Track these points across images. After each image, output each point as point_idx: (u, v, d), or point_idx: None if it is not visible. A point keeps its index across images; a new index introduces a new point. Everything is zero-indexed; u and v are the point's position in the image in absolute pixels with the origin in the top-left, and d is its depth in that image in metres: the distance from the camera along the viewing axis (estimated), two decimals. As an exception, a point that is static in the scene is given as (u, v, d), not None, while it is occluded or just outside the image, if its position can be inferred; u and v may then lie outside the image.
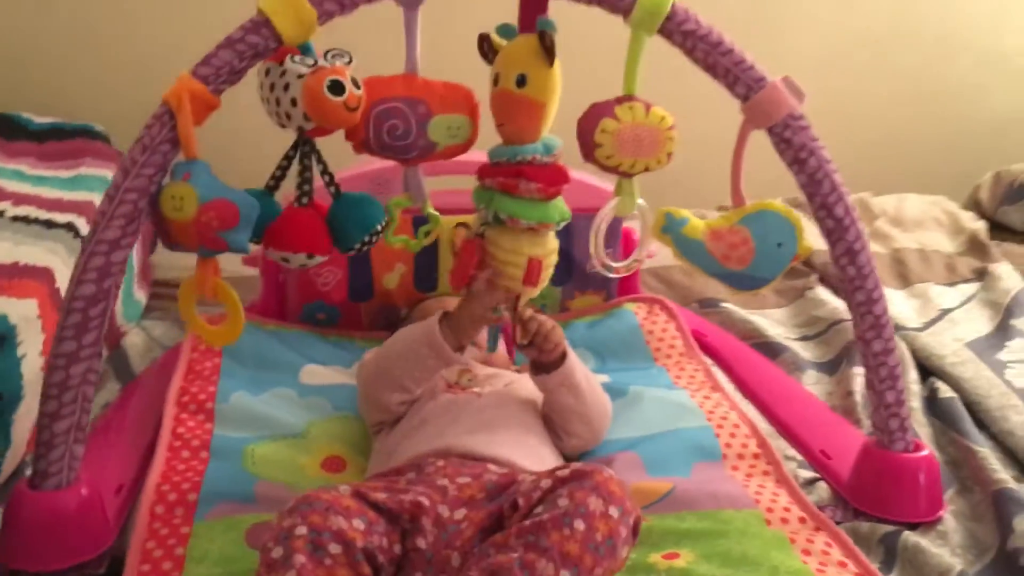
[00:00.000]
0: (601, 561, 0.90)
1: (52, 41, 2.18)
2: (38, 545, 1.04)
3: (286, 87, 1.03)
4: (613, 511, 0.92)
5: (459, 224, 1.26)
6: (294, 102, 1.03)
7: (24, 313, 1.17)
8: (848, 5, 2.48)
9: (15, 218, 1.38)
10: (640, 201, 1.15)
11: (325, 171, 1.12)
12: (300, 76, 1.02)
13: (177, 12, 2.21)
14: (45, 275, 1.28)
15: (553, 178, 1.09)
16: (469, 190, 1.17)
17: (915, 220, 2.23)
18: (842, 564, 1.05)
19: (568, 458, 1.23)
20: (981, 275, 1.91)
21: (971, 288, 1.87)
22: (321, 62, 1.04)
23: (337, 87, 1.01)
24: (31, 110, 1.91)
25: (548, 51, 1.05)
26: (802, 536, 1.09)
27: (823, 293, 1.84)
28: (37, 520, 1.04)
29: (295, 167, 1.12)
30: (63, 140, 1.77)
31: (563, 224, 1.13)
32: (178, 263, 1.87)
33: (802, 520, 1.13)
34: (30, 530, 1.04)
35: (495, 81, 1.08)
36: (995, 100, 2.67)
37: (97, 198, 1.60)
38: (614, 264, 1.22)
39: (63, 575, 1.04)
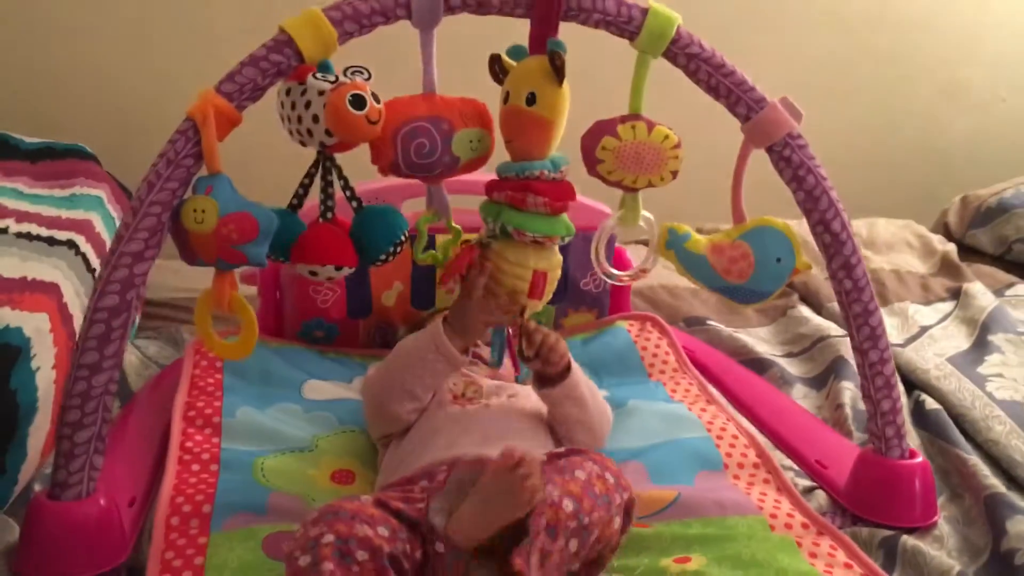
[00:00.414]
0: (598, 507, 0.96)
1: (38, 62, 2.18)
2: (58, 556, 1.04)
3: (307, 104, 1.06)
4: (608, 476, 1.00)
5: (464, 242, 1.29)
6: (316, 118, 1.05)
7: (37, 326, 1.18)
8: (813, 32, 2.57)
9: (19, 235, 1.38)
10: (647, 214, 1.19)
11: (347, 186, 1.15)
12: (321, 93, 1.05)
13: (161, 37, 2.23)
14: (53, 290, 1.28)
15: (560, 193, 1.12)
16: (467, 208, 1.20)
17: (887, 243, 2.31)
18: (848, 565, 1.08)
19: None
20: (955, 294, 1.98)
21: (947, 306, 1.94)
22: (341, 79, 1.06)
23: (359, 101, 1.04)
24: (15, 130, 1.91)
25: (558, 71, 1.08)
26: (807, 540, 1.13)
27: (805, 311, 1.90)
28: (57, 531, 1.04)
29: (316, 184, 1.15)
30: (55, 160, 1.77)
31: (568, 240, 1.16)
32: (168, 283, 1.88)
33: (805, 526, 1.16)
34: (50, 540, 1.04)
35: (505, 99, 1.12)
36: (955, 129, 2.77)
37: (93, 217, 1.60)
38: (617, 272, 1.25)
39: (82, 586, 1.04)
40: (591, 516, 0.95)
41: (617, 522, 0.99)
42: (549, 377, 1.24)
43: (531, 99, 1.10)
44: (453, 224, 1.24)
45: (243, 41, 1.10)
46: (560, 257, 1.19)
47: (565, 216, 1.16)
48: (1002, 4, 2.68)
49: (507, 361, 1.38)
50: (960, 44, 2.68)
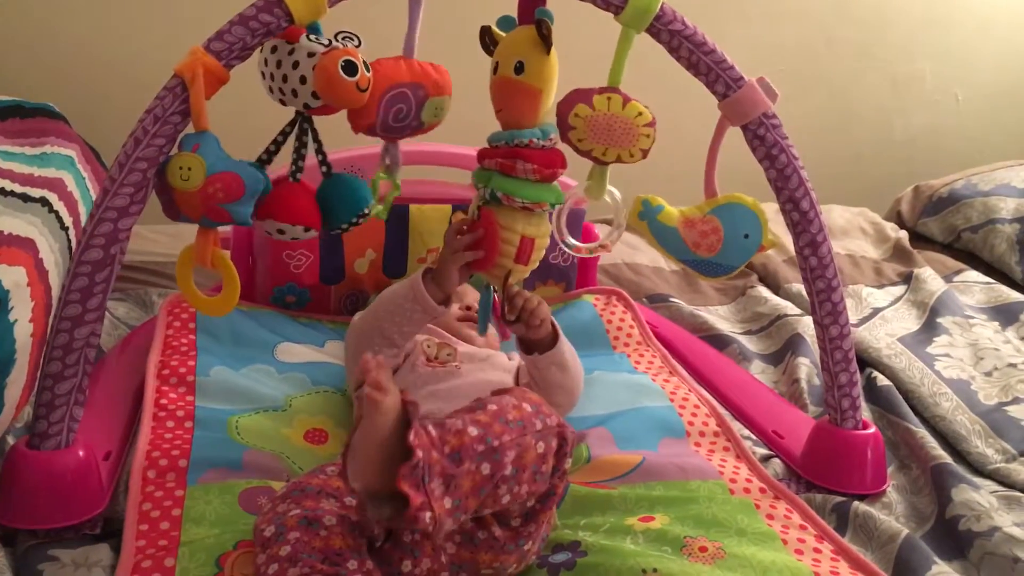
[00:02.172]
0: (509, 431, 0.90)
1: (2, 24, 2.15)
2: (36, 504, 1.05)
3: (295, 64, 1.07)
4: (526, 406, 0.94)
5: (457, 210, 1.31)
6: (303, 79, 1.07)
7: (15, 280, 1.17)
8: (779, 21, 2.61)
9: (-7, 190, 1.37)
10: (613, 190, 1.22)
11: (320, 150, 1.16)
12: (311, 55, 1.07)
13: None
14: (29, 245, 1.28)
15: (549, 160, 1.14)
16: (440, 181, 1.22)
17: (842, 229, 2.37)
18: (803, 527, 1.14)
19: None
20: (907, 279, 2.06)
21: (898, 290, 2.01)
22: (334, 43, 1.08)
23: (351, 67, 1.06)
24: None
25: (545, 39, 1.11)
26: (765, 503, 1.18)
27: (764, 291, 1.96)
28: (37, 479, 1.05)
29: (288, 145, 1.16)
30: (24, 119, 1.74)
31: (558, 207, 1.19)
32: (132, 247, 1.87)
33: (763, 490, 1.21)
34: (29, 489, 1.05)
35: (495, 69, 1.14)
36: (908, 120, 2.85)
37: (65, 176, 1.59)
38: (576, 243, 1.28)
39: (60, 534, 1.06)
40: (501, 439, 0.89)
41: (541, 446, 0.93)
42: (534, 342, 1.26)
43: (519, 68, 1.12)
44: (398, 182, 1.28)
45: (211, 5, 1.10)
46: (549, 226, 1.20)
47: (556, 184, 1.17)
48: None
49: (493, 330, 1.41)
50: (910, 38, 2.75)
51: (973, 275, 2.10)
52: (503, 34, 1.15)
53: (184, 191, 1.04)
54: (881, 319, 1.85)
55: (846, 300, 1.92)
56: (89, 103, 2.05)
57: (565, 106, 1.14)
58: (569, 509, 1.15)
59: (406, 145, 1.24)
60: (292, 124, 1.15)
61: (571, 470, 1.23)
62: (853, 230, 2.37)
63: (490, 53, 1.17)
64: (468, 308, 1.42)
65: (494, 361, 1.34)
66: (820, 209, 1.22)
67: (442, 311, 1.23)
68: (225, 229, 1.62)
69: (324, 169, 1.18)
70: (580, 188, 1.21)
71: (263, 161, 1.15)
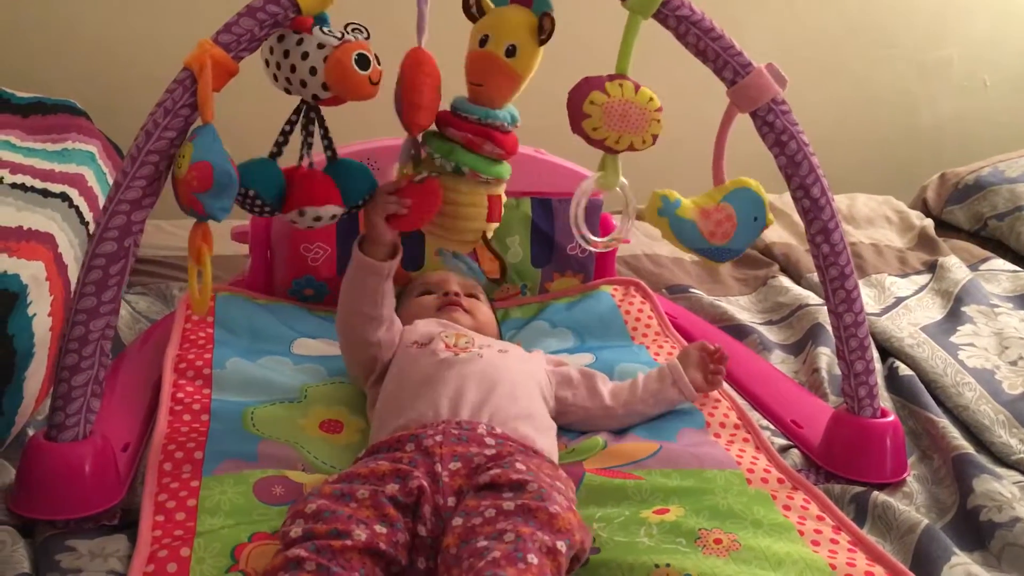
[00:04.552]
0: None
1: (24, 19, 2.17)
2: (55, 495, 1.06)
3: (304, 55, 1.07)
4: (560, 545, 0.93)
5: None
6: (313, 71, 1.07)
7: (34, 274, 1.19)
8: (801, 5, 2.59)
9: (14, 185, 1.39)
10: (622, 180, 1.21)
11: (326, 136, 1.17)
12: (321, 46, 1.07)
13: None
14: (49, 240, 1.30)
15: (512, 145, 1.19)
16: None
17: (866, 218, 2.34)
18: (820, 518, 1.12)
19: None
20: (931, 267, 2.03)
21: (923, 279, 1.99)
22: (346, 36, 1.08)
23: (364, 61, 1.06)
24: (5, 84, 1.91)
25: (549, 34, 1.11)
26: (782, 494, 1.17)
27: (785, 281, 1.94)
28: (55, 471, 1.07)
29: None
30: (46, 115, 1.78)
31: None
32: (157, 242, 1.90)
33: (780, 480, 1.20)
34: (48, 480, 1.07)
35: (482, 42, 1.13)
36: (935, 107, 2.81)
37: (86, 171, 1.61)
38: (593, 237, 1.28)
39: (77, 525, 1.07)
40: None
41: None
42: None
43: (511, 51, 1.12)
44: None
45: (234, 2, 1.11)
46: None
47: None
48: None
49: (489, 314, 1.41)
50: (938, 24, 2.71)
51: (999, 263, 2.07)
52: (492, 5, 1.15)
53: (177, 180, 1.03)
54: (904, 308, 1.83)
55: (869, 289, 1.93)
56: (110, 99, 2.07)
57: (578, 95, 1.14)
58: (584, 500, 1.14)
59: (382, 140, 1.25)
60: (297, 113, 1.15)
61: (586, 457, 1.24)
62: (878, 219, 2.35)
63: (472, 19, 1.16)
64: (446, 294, 1.42)
65: (514, 352, 1.34)
66: (831, 196, 1.21)
67: (389, 266, 1.24)
68: (243, 223, 1.65)
69: (329, 155, 1.19)
70: (593, 179, 1.21)
71: (275, 155, 1.15)
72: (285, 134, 1.16)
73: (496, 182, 1.21)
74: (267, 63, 1.13)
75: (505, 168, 1.20)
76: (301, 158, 1.15)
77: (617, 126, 1.14)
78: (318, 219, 1.14)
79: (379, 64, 1.08)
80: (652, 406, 1.32)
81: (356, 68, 1.05)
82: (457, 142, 1.16)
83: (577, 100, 1.14)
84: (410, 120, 1.15)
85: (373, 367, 1.28)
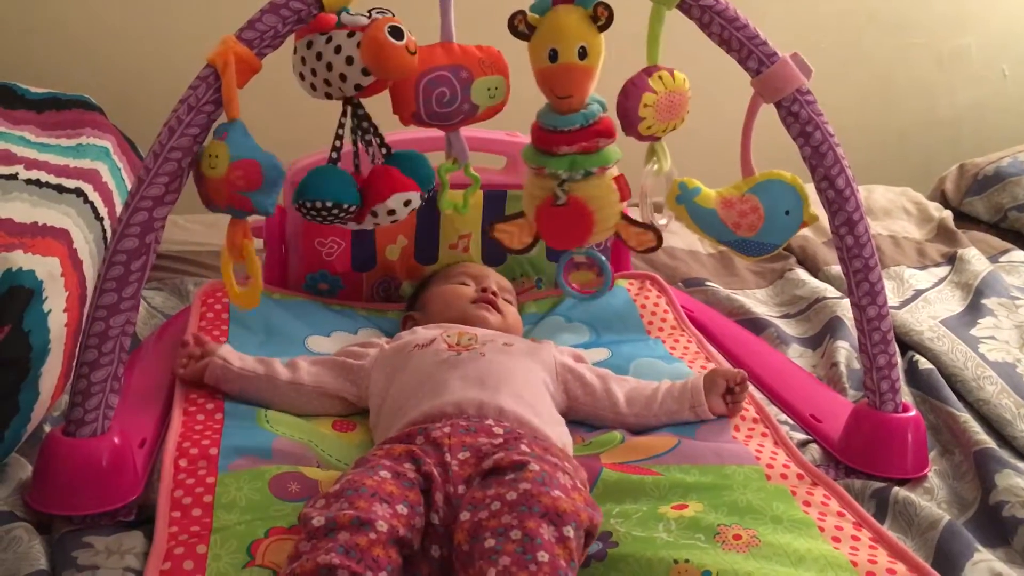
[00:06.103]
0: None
1: (40, 14, 2.17)
2: (72, 491, 1.06)
3: (337, 49, 1.07)
4: (568, 531, 0.93)
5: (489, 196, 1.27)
6: (350, 60, 1.06)
7: (49, 270, 1.19)
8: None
9: (28, 181, 1.39)
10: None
11: (376, 132, 1.16)
12: (351, 35, 1.06)
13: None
14: (64, 236, 1.30)
15: (612, 127, 1.17)
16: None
17: (884, 209, 2.32)
18: (840, 514, 1.11)
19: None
20: (951, 259, 2.01)
21: (942, 271, 1.97)
22: (374, 16, 1.08)
23: (397, 32, 1.04)
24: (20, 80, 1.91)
25: (607, 20, 1.09)
26: (802, 490, 1.16)
27: (803, 274, 1.92)
28: (73, 467, 1.07)
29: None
30: (61, 111, 1.77)
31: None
32: (166, 235, 1.89)
33: (800, 476, 1.19)
34: (65, 476, 1.06)
35: (552, 57, 1.11)
36: (954, 97, 2.78)
37: (100, 167, 1.61)
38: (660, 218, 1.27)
39: (94, 521, 1.07)
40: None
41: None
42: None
43: (583, 53, 1.11)
44: (472, 171, 1.26)
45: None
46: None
47: None
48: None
49: (515, 314, 1.42)
50: (959, 11, 2.68)
51: (1020, 255, 2.04)
52: (538, 17, 1.12)
53: (211, 179, 1.04)
54: (923, 301, 1.81)
55: (887, 282, 1.91)
56: (125, 94, 2.07)
57: (630, 100, 1.13)
58: (601, 496, 1.13)
59: (429, 131, 1.21)
60: (344, 114, 1.15)
61: (603, 450, 1.23)
62: (896, 210, 2.33)
63: (523, 38, 1.13)
64: (484, 290, 1.41)
65: (519, 346, 1.33)
66: (856, 187, 1.19)
67: (220, 348, 1.31)
68: (256, 218, 1.65)
69: (384, 151, 1.18)
70: (651, 171, 1.21)
71: (334, 160, 1.15)
72: (339, 137, 1.15)
73: (609, 168, 1.19)
74: (302, 76, 1.12)
75: (616, 149, 1.18)
76: (356, 157, 1.15)
77: (666, 117, 1.16)
78: (408, 203, 1.15)
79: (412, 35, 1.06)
80: (665, 422, 1.30)
81: (392, 39, 1.04)
82: (573, 154, 1.15)
83: (632, 106, 1.13)
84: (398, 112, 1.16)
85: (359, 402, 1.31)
